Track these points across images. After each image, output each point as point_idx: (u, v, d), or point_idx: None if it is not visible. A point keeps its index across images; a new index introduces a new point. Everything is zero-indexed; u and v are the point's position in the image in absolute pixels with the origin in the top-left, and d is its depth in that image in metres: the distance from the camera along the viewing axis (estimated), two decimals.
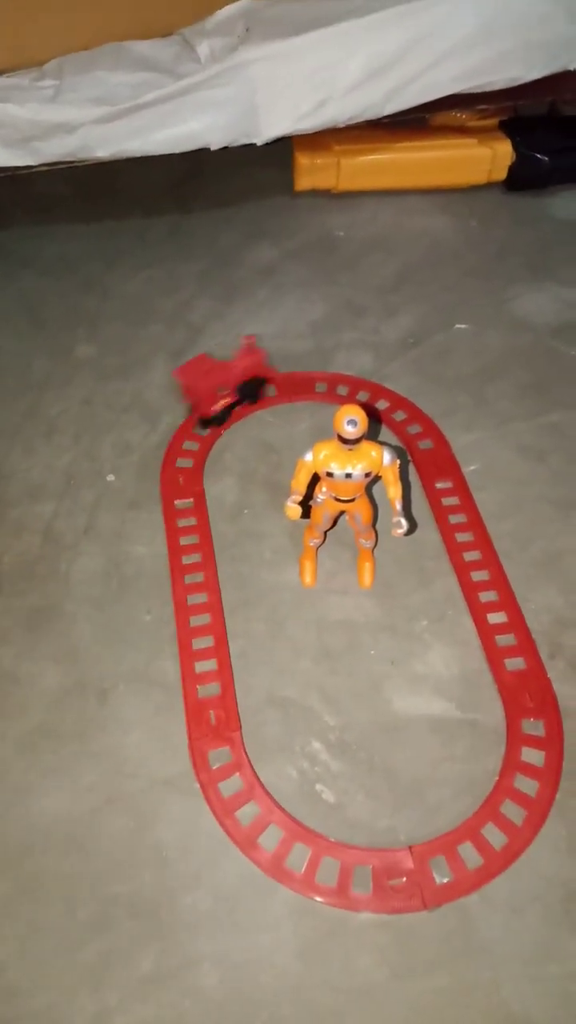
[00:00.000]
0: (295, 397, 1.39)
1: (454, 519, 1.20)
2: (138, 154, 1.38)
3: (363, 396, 1.39)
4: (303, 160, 1.75)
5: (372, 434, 1.29)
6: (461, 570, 1.14)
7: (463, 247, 1.71)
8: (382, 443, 0.94)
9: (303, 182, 1.78)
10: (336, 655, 1.06)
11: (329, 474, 0.93)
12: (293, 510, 0.94)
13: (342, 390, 1.40)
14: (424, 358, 1.47)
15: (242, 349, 1.25)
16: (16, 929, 0.85)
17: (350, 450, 0.91)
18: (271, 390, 1.40)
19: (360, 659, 1.06)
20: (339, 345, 1.50)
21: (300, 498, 0.95)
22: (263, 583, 1.14)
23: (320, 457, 0.93)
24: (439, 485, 1.24)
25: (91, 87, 1.37)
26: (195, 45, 1.43)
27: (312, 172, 1.76)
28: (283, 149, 1.81)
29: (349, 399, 1.38)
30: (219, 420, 1.27)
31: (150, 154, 1.38)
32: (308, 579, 1.13)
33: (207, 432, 1.27)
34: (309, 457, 0.93)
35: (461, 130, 1.81)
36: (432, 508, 1.22)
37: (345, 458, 0.92)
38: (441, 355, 1.48)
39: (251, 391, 1.30)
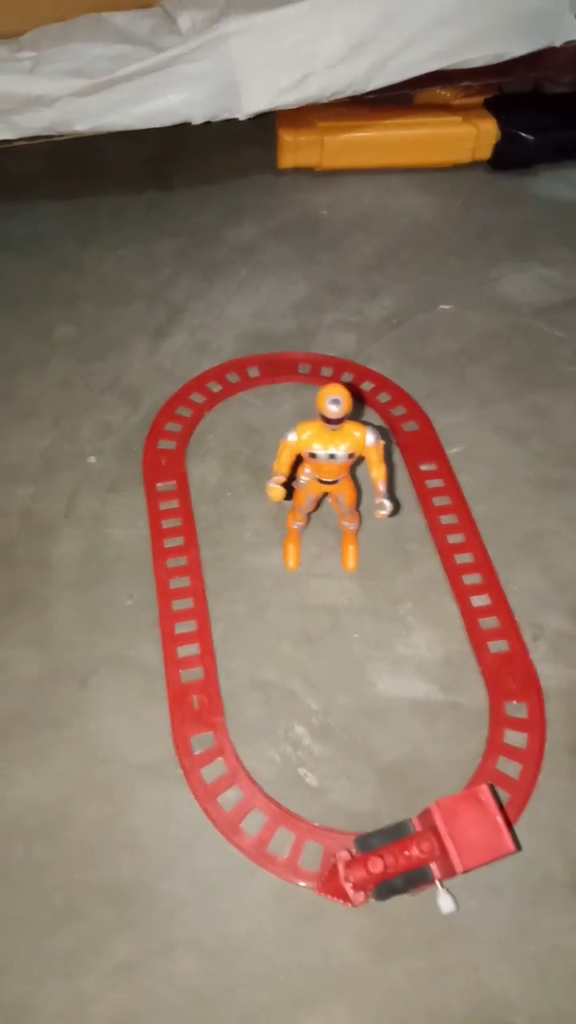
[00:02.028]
0: (277, 378, 1.37)
1: (438, 501, 1.19)
2: (117, 128, 1.34)
3: (347, 377, 1.37)
4: (286, 137, 1.72)
5: (356, 416, 1.28)
6: (445, 553, 1.13)
7: (446, 227, 1.69)
8: (365, 423, 0.92)
9: (286, 160, 1.75)
10: (319, 638, 1.05)
11: (312, 455, 0.92)
12: (276, 491, 0.93)
13: (326, 371, 1.38)
14: (407, 339, 1.46)
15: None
16: None
17: (333, 430, 0.89)
18: (254, 371, 1.38)
19: (343, 642, 1.05)
20: (321, 326, 1.48)
21: (283, 479, 0.93)
22: (246, 566, 1.13)
23: (303, 437, 0.91)
24: (423, 467, 1.23)
25: (69, 59, 1.33)
26: (175, 17, 1.39)
27: (295, 149, 1.73)
28: (266, 126, 1.78)
29: (333, 380, 1.36)
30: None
31: (130, 128, 1.34)
32: (291, 562, 1.12)
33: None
34: (292, 437, 0.92)
35: (445, 108, 1.78)
36: (416, 490, 1.21)
37: (328, 438, 0.91)
38: (424, 336, 1.46)
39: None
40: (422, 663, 1.03)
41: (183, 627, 1.05)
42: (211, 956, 0.82)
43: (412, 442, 1.27)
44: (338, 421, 0.87)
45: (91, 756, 0.94)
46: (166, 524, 1.16)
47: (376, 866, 0.78)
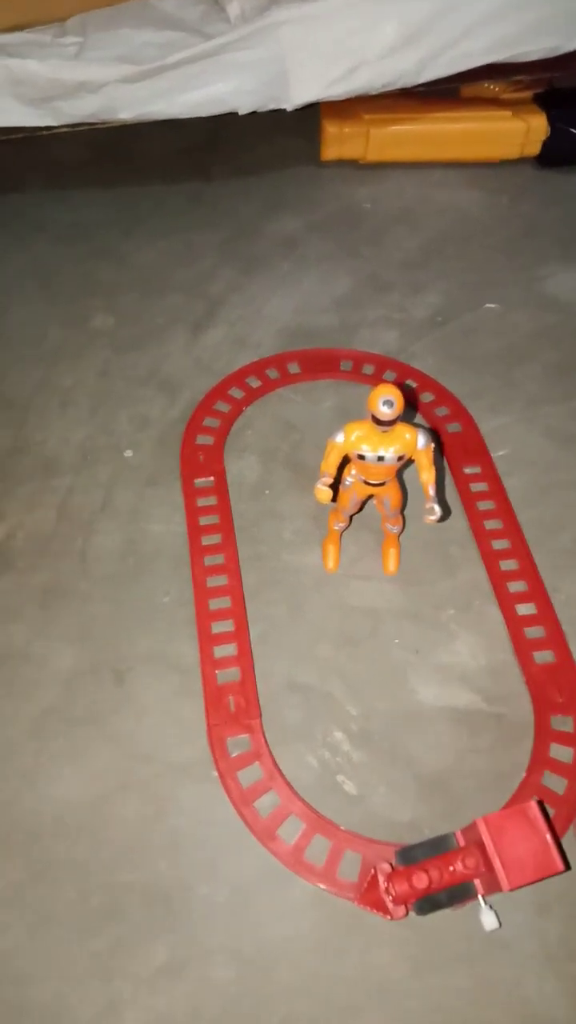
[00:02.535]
0: (318, 375, 1.35)
1: (482, 505, 1.16)
2: (162, 117, 1.32)
3: (390, 375, 1.34)
4: (331, 129, 1.69)
5: (407, 417, 1.25)
6: (489, 558, 1.10)
7: (493, 223, 1.66)
8: (416, 425, 0.90)
9: (330, 151, 1.72)
10: (359, 642, 1.03)
11: (361, 456, 0.90)
12: (324, 493, 0.90)
13: (367, 369, 1.36)
14: (451, 337, 1.43)
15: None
16: (25, 916, 0.82)
17: (384, 432, 0.87)
18: (295, 367, 1.36)
19: (383, 647, 1.03)
20: (363, 321, 1.45)
21: (331, 481, 0.91)
22: (284, 565, 1.11)
23: (352, 438, 0.89)
24: (467, 470, 1.20)
25: (115, 45, 1.31)
26: (224, 4, 1.37)
27: (340, 141, 1.70)
28: (308, 117, 1.74)
29: (375, 378, 1.34)
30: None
31: (175, 117, 1.32)
32: (331, 563, 1.10)
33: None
34: (340, 438, 0.89)
35: (494, 102, 1.74)
36: (460, 493, 1.18)
37: (378, 440, 0.88)
38: (469, 335, 1.43)
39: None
40: (465, 671, 1.00)
41: (220, 626, 1.03)
42: (248, 964, 0.80)
43: (456, 443, 1.24)
44: (390, 423, 0.85)
45: (129, 755, 0.93)
46: (204, 521, 1.15)
47: (421, 881, 0.76)
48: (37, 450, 1.24)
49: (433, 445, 0.90)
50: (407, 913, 0.79)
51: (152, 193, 1.73)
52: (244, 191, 1.74)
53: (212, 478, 1.20)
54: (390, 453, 0.89)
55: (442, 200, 1.73)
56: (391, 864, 0.80)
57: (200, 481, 1.20)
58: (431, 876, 0.77)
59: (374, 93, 1.39)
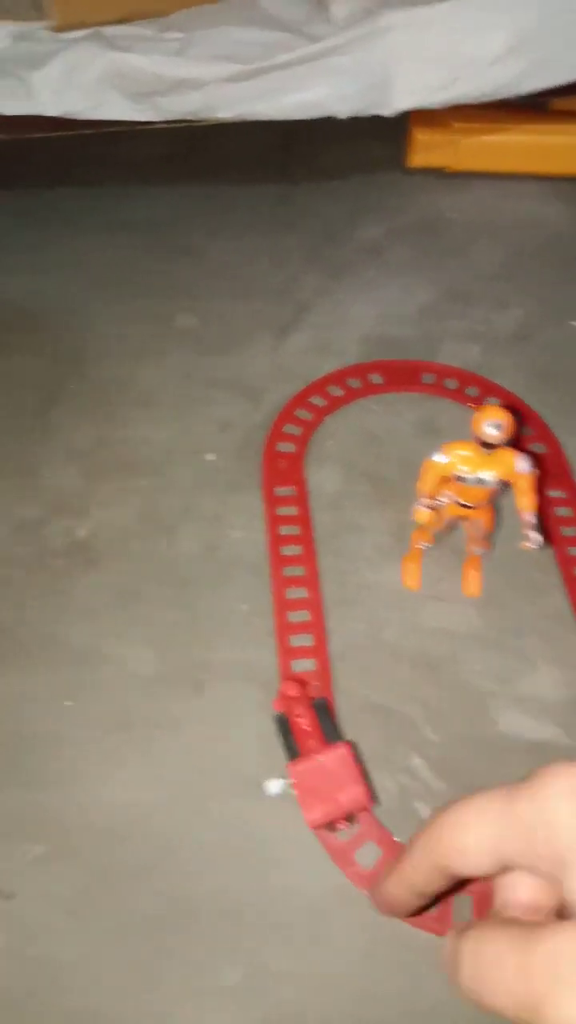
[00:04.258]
0: (401, 387, 1.33)
1: (567, 531, 1.13)
2: (261, 118, 1.31)
3: (472, 391, 1.32)
4: (420, 136, 1.67)
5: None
6: (573, 585, 1.08)
7: None
8: (519, 450, 0.88)
9: (417, 159, 1.70)
10: (438, 665, 1.02)
11: (460, 478, 0.88)
12: (424, 515, 0.89)
13: (450, 383, 1.33)
14: (536, 355, 1.40)
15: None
16: (91, 925, 0.82)
17: (487, 455, 0.85)
18: (377, 377, 1.34)
19: (463, 672, 1.01)
20: (446, 334, 1.43)
21: (431, 502, 0.89)
22: (363, 581, 1.10)
23: (452, 459, 0.87)
24: (552, 494, 1.18)
25: (218, 43, 1.31)
26: (329, 4, 1.35)
27: (429, 149, 1.67)
28: (392, 121, 1.71)
29: (457, 393, 1.32)
30: None
31: (274, 119, 1.32)
32: (411, 581, 1.08)
33: None
34: (440, 458, 0.88)
35: None
36: (543, 517, 1.15)
37: (479, 462, 0.87)
38: (555, 353, 1.40)
39: None
40: (546, 704, 0.98)
41: (299, 640, 1.03)
42: (318, 989, 0.79)
43: (540, 466, 1.21)
44: (495, 446, 0.83)
45: (206, 765, 0.92)
46: (284, 531, 1.14)
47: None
48: (120, 448, 1.24)
49: (536, 471, 0.88)
50: None
51: (236, 193, 1.73)
52: (328, 194, 1.73)
53: (293, 487, 1.19)
54: (491, 476, 0.87)
55: (528, 213, 1.70)
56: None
57: (281, 490, 1.19)
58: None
59: (473, 103, 1.37)
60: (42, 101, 1.50)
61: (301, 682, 0.91)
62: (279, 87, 1.28)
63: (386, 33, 1.26)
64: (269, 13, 1.37)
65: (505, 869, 0.31)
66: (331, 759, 0.83)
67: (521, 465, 0.87)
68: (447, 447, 0.88)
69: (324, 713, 0.90)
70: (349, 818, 0.85)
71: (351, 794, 0.80)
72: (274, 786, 0.89)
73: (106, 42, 1.44)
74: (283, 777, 0.90)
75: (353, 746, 0.85)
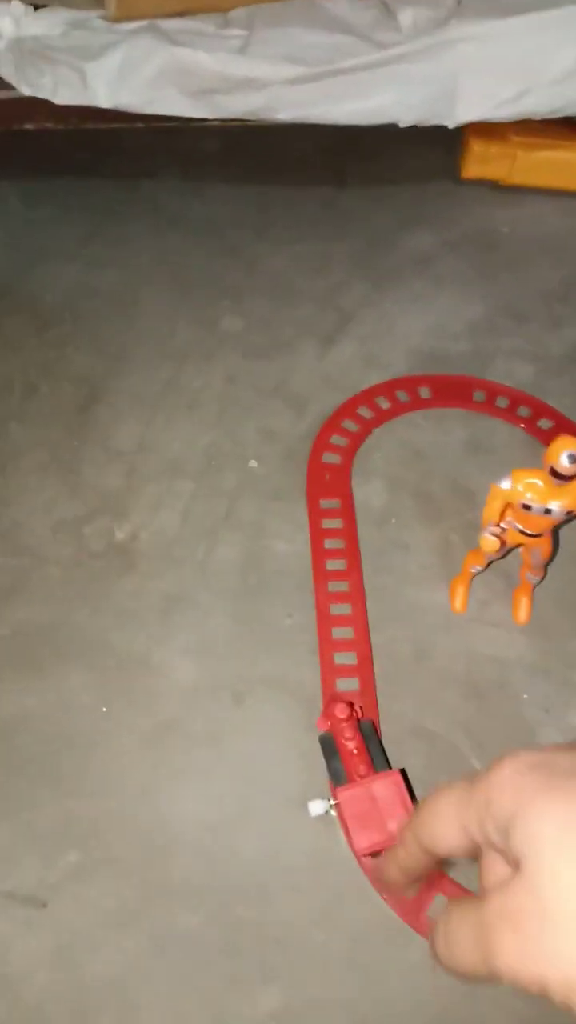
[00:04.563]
0: (450, 402, 1.31)
1: None
2: (321, 122, 1.29)
3: (524, 412, 1.30)
4: (476, 147, 1.64)
5: (533, 457, 1.21)
6: None
7: None
8: None
9: (472, 170, 1.68)
10: (485, 693, 1.00)
11: (527, 507, 0.86)
12: (491, 544, 0.87)
13: (502, 402, 1.31)
14: None
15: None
16: (140, 942, 0.81)
17: (559, 486, 0.83)
18: (426, 391, 1.32)
19: (511, 701, 0.99)
20: (498, 351, 1.41)
21: (498, 530, 0.87)
22: (409, 600, 1.08)
23: (519, 487, 0.85)
24: None
25: (283, 44, 1.29)
26: (396, 11, 1.33)
27: (484, 160, 1.65)
28: (447, 130, 1.70)
29: (508, 412, 1.30)
30: None
31: (334, 123, 1.29)
32: (459, 604, 1.06)
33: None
34: (507, 485, 0.86)
35: None
36: None
37: (547, 492, 0.84)
38: None
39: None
40: None
41: (343, 658, 1.01)
42: (362, 1021, 0.78)
43: None
44: (570, 478, 0.81)
45: (249, 782, 0.90)
46: (328, 544, 1.12)
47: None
48: (164, 450, 1.23)
49: None
50: None
51: (285, 195, 1.71)
52: (379, 201, 1.71)
53: (338, 500, 1.17)
54: (559, 507, 0.85)
55: None
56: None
57: (326, 502, 1.17)
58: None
59: (538, 118, 1.35)
60: (97, 93, 1.48)
61: (349, 704, 0.89)
62: (343, 92, 1.26)
63: (455, 44, 1.24)
64: (334, 15, 1.34)
65: (476, 848, 0.36)
66: (381, 787, 0.81)
67: None
68: (516, 474, 0.86)
69: (372, 737, 0.89)
70: None
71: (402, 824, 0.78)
72: (317, 807, 0.87)
73: (164, 36, 1.42)
74: (325, 798, 0.88)
75: (402, 773, 0.84)
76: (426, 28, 1.28)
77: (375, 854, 0.82)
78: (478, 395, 1.32)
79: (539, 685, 1.00)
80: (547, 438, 1.26)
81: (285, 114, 1.29)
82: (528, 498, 0.85)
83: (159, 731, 0.95)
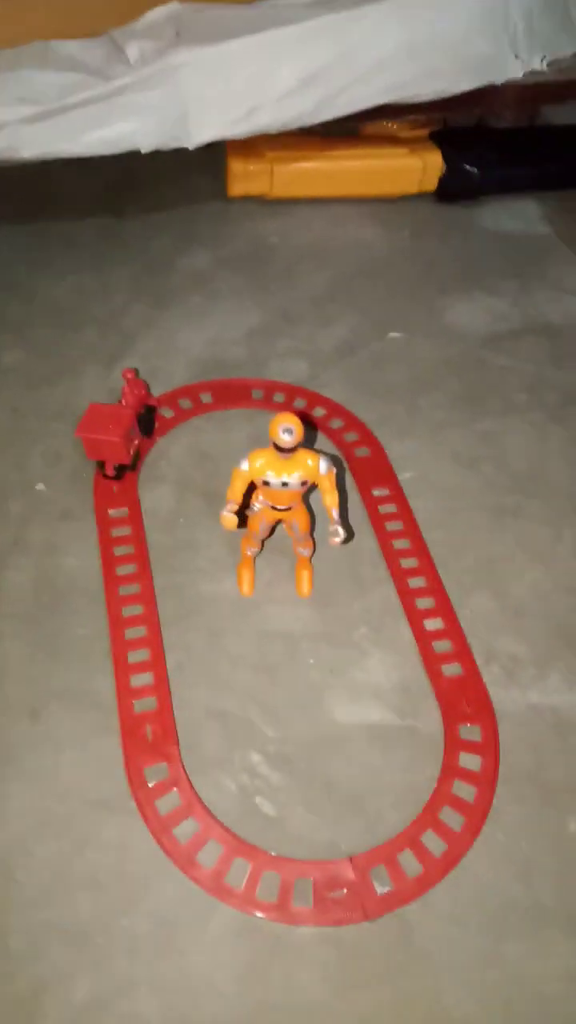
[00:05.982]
0: (231, 404, 1.38)
1: (391, 526, 1.20)
2: (66, 155, 1.34)
3: (300, 403, 1.38)
4: (236, 166, 1.74)
5: (310, 442, 1.29)
6: (398, 577, 1.14)
7: (396, 257, 1.73)
8: (318, 451, 0.93)
9: (236, 188, 1.77)
10: (275, 666, 1.05)
11: (265, 483, 0.92)
12: (229, 520, 0.93)
13: (278, 397, 1.39)
14: (359, 367, 1.48)
15: (126, 385, 1.22)
16: None
17: (286, 458, 0.90)
18: (207, 396, 1.38)
19: (299, 669, 1.05)
20: (274, 353, 1.49)
21: (236, 507, 0.93)
22: (201, 593, 1.12)
23: (256, 465, 0.92)
24: (376, 492, 1.24)
25: (17, 86, 1.33)
26: (124, 47, 1.40)
27: (245, 178, 1.75)
28: (217, 155, 1.79)
29: (286, 406, 1.37)
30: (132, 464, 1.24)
31: (78, 156, 1.34)
32: (246, 588, 1.12)
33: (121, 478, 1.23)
34: (245, 466, 0.92)
35: (392, 140, 1.82)
36: (369, 515, 1.22)
37: (281, 466, 0.91)
38: (375, 364, 1.48)
39: (147, 425, 1.28)
40: (378, 689, 1.03)
41: (136, 656, 1.04)
42: (173, 994, 0.80)
43: (365, 467, 1.28)
44: (291, 450, 0.88)
45: (46, 793, 0.92)
46: (119, 551, 1.15)
47: None
48: None
49: (335, 470, 0.93)
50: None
51: (63, 229, 1.74)
52: (155, 227, 1.77)
53: (126, 508, 1.21)
54: (293, 479, 0.92)
55: (347, 235, 1.80)
56: None
57: (114, 511, 1.20)
58: None
59: (274, 132, 1.45)
60: None
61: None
62: (79, 126, 1.31)
63: (178, 70, 1.32)
64: (67, 55, 1.40)
65: None
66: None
67: (321, 466, 0.92)
68: (251, 455, 0.92)
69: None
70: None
71: None
72: None
73: None
74: (126, 801, 0.91)
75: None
76: (151, 59, 1.35)
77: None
78: (256, 394, 1.40)
79: (323, 650, 1.07)
80: (321, 424, 1.35)
81: (28, 152, 1.32)
82: (266, 475, 0.92)
83: None
